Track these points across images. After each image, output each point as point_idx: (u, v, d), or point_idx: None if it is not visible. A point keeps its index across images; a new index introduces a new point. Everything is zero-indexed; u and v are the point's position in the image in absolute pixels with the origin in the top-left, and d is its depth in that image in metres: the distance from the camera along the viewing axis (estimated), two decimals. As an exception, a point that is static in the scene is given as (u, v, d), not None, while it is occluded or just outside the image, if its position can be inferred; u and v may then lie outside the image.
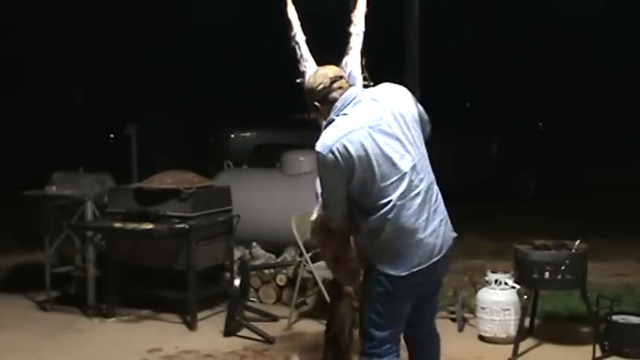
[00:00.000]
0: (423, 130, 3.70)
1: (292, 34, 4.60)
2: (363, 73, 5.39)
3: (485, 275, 5.76)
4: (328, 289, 5.37)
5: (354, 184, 3.49)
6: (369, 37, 5.37)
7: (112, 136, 13.80)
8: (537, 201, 12.38)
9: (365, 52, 5.34)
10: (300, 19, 4.66)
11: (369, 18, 4.76)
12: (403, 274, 3.50)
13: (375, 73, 5.50)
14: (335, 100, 3.63)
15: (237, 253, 6.94)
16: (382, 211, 3.47)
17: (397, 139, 3.49)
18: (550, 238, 5.59)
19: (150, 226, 6.06)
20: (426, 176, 3.57)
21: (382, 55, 6.20)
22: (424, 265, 3.52)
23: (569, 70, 15.45)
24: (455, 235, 3.67)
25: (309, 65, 4.48)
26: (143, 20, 14.82)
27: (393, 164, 3.47)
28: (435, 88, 8.21)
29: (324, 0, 6.08)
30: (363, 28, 4.60)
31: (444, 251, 3.56)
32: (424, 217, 3.51)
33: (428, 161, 3.64)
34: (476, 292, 5.85)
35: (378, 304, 3.61)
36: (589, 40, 14.89)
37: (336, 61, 4.45)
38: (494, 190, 12.61)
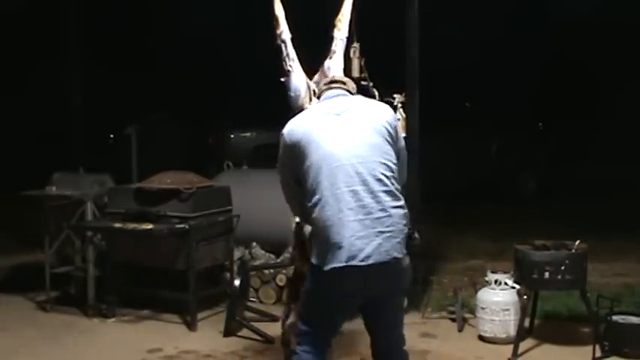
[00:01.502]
0: (397, 153, 3.65)
1: (278, 32, 4.57)
2: (362, 73, 5.41)
3: (485, 275, 5.76)
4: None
5: (297, 168, 3.57)
6: (369, 37, 5.39)
7: (111, 136, 13.80)
8: (537, 201, 12.38)
9: (364, 53, 5.36)
10: (287, 17, 4.66)
11: (366, 19, 4.77)
12: (325, 268, 3.45)
13: (375, 73, 5.53)
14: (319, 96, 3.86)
15: (237, 254, 6.94)
16: (314, 199, 3.49)
17: (350, 135, 3.51)
18: (550, 238, 5.59)
19: (150, 226, 6.06)
20: (376, 185, 3.48)
21: (382, 55, 6.23)
22: (345, 265, 3.41)
23: (570, 69, 15.47)
24: (397, 256, 3.49)
25: (294, 65, 4.49)
26: (144, 20, 14.82)
27: (335, 155, 3.47)
28: (435, 88, 8.23)
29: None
30: (346, 34, 4.61)
31: (370, 261, 3.41)
32: (358, 217, 3.43)
33: (389, 173, 3.54)
34: (476, 292, 5.86)
35: (304, 297, 3.68)
36: (590, 38, 14.89)
37: (319, 62, 4.50)
38: (494, 190, 12.60)
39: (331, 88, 3.81)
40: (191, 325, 6.09)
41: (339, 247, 3.42)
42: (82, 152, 8.59)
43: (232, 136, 13.50)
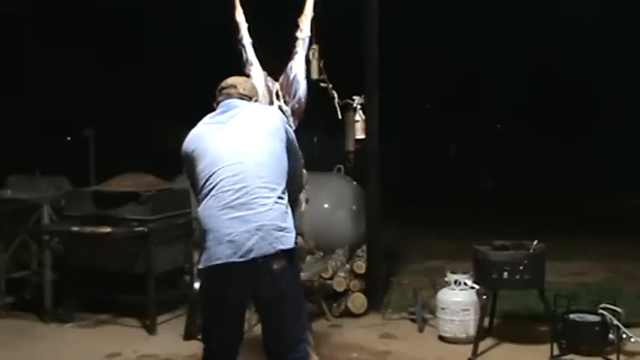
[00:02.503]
0: (289, 154, 3.69)
1: (239, 37, 4.63)
2: (321, 75, 5.42)
3: (445, 276, 5.80)
4: None
5: (193, 176, 3.67)
6: (329, 38, 5.40)
7: (68, 138, 13.61)
8: (495, 202, 12.51)
9: (323, 54, 5.37)
10: (248, 21, 4.70)
11: (326, 20, 4.79)
12: (202, 266, 3.55)
13: (334, 74, 5.54)
14: (217, 102, 3.83)
15: (196, 256, 6.88)
16: (201, 201, 3.60)
17: (236, 140, 3.59)
18: (508, 238, 5.64)
19: (108, 229, 5.99)
20: (256, 181, 3.53)
21: (342, 57, 6.23)
22: (223, 261, 3.46)
23: (530, 70, 15.68)
24: (276, 249, 3.48)
25: (254, 69, 4.54)
26: (115, 16, 14.59)
27: (220, 159, 3.56)
28: (395, 89, 8.26)
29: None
30: (308, 33, 4.65)
31: (251, 256, 3.45)
32: (235, 215, 3.49)
33: (270, 173, 3.57)
34: (436, 292, 5.89)
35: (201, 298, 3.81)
36: (553, 39, 15.11)
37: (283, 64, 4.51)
38: (453, 191, 12.71)
39: (221, 95, 3.86)
40: (150, 329, 6.03)
41: (217, 245, 3.49)
42: (38, 154, 8.46)
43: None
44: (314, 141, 12.39)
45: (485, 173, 13.10)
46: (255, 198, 3.50)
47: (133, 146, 13.33)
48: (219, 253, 3.48)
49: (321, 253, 6.98)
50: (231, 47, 4.76)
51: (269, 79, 4.67)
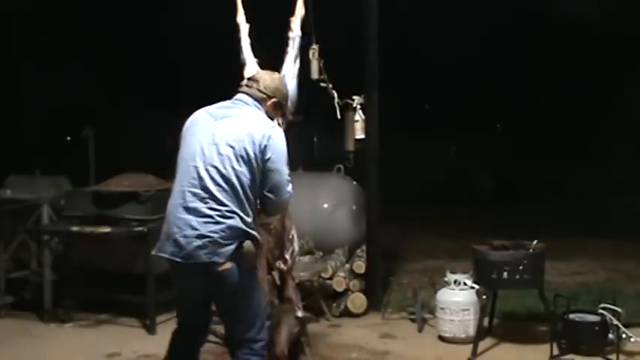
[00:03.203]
0: (260, 173, 3.72)
1: (239, 37, 4.67)
2: (321, 74, 5.42)
3: (445, 276, 5.80)
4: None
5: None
6: (330, 38, 5.40)
7: (68, 138, 13.60)
8: (495, 201, 12.51)
9: (322, 54, 5.38)
10: (249, 22, 4.73)
11: (326, 20, 4.80)
12: (154, 252, 3.78)
13: (334, 73, 5.54)
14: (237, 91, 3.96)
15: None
16: (174, 181, 3.81)
17: (213, 142, 3.69)
18: (508, 238, 5.64)
19: (108, 229, 5.99)
20: (215, 193, 3.62)
21: (342, 56, 6.24)
22: (167, 256, 3.69)
23: (530, 70, 15.67)
24: (208, 261, 3.58)
25: (247, 69, 4.58)
26: (110, 16, 14.60)
27: (192, 155, 3.71)
28: (394, 89, 8.26)
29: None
30: (299, 33, 4.65)
31: (190, 261, 3.60)
32: (186, 217, 3.63)
33: (228, 188, 3.64)
34: (435, 292, 5.89)
35: None
36: (550, 38, 15.12)
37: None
38: (453, 190, 12.71)
39: (242, 86, 3.96)
40: (150, 329, 6.03)
41: (167, 240, 3.70)
42: (38, 154, 8.47)
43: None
44: (314, 141, 12.39)
45: (485, 173, 13.09)
46: (208, 208, 3.61)
47: (132, 146, 13.32)
48: (165, 247, 3.71)
49: (321, 253, 6.98)
50: (231, 47, 4.78)
51: None
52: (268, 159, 3.71)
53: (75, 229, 6.13)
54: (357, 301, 6.33)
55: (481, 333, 5.43)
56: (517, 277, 5.22)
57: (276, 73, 4.16)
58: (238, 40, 4.68)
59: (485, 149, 13.27)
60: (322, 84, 5.51)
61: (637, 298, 6.49)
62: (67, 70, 13.02)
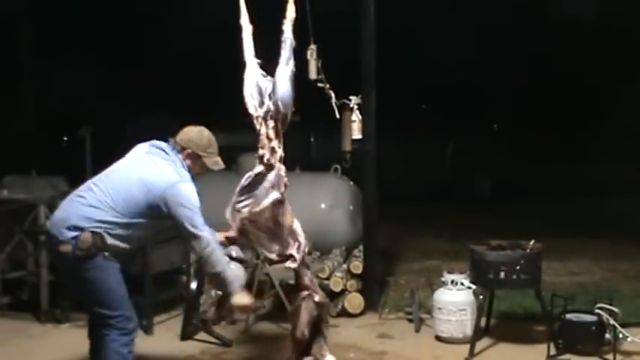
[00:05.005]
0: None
1: (242, 38, 4.67)
2: (319, 75, 5.42)
3: (442, 276, 5.80)
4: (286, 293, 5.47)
5: None
6: (327, 38, 5.40)
7: (65, 138, 13.58)
8: (493, 201, 12.50)
9: (320, 54, 5.37)
10: (252, 22, 4.73)
11: (323, 20, 4.79)
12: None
13: (331, 73, 5.54)
14: None
15: (194, 257, 6.86)
16: None
17: (117, 170, 4.44)
18: (505, 238, 5.65)
19: (104, 229, 5.96)
20: (101, 203, 4.27)
21: (340, 56, 6.23)
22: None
23: (527, 69, 15.68)
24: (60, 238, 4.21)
25: (247, 69, 4.60)
26: (113, 16, 14.59)
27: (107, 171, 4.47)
28: (391, 89, 8.26)
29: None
30: (290, 35, 4.62)
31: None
32: (65, 208, 4.34)
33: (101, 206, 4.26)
34: (432, 292, 5.89)
35: None
36: (546, 38, 15.13)
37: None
38: (450, 190, 12.69)
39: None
40: (147, 329, 6.02)
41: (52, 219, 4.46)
42: (34, 155, 8.45)
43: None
44: (311, 141, 12.37)
45: (482, 173, 13.08)
46: (84, 197, 4.28)
47: (130, 147, 13.27)
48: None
49: (318, 253, 6.98)
50: (232, 47, 4.76)
51: (265, 79, 4.63)
52: (166, 207, 4.24)
53: (72, 229, 6.10)
54: (354, 301, 6.33)
55: (478, 333, 5.44)
56: (514, 277, 5.23)
57: (200, 127, 4.50)
58: (241, 41, 4.65)
59: (483, 149, 13.24)
60: (320, 84, 5.51)
61: (634, 298, 6.51)
62: (64, 70, 13.01)
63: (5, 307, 6.55)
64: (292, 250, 4.57)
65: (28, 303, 6.58)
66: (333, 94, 5.62)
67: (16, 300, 6.71)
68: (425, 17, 14.43)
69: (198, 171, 4.49)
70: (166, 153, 4.39)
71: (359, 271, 6.50)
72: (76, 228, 4.18)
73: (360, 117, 6.12)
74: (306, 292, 4.60)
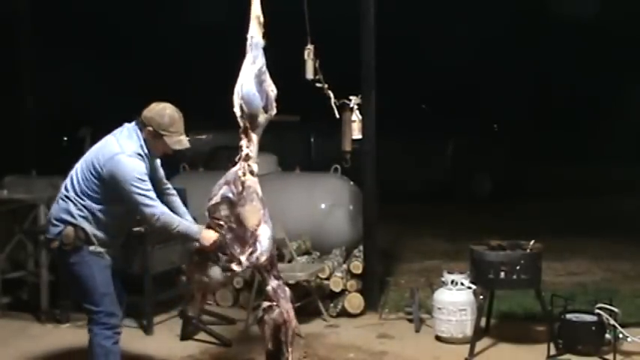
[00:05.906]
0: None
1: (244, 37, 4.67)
2: (317, 75, 5.41)
3: (442, 276, 5.80)
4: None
5: None
6: (325, 37, 5.39)
7: (65, 138, 13.57)
8: (493, 201, 12.50)
9: (318, 54, 5.37)
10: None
11: (321, 18, 4.79)
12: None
13: (331, 74, 5.53)
14: None
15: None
16: None
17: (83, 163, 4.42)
18: (505, 238, 5.64)
19: (104, 229, 5.96)
20: (70, 193, 4.38)
21: (338, 56, 6.23)
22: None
23: (524, 70, 15.68)
24: (48, 236, 4.45)
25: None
26: (112, 16, 14.58)
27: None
28: (391, 89, 8.25)
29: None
30: (253, 34, 4.53)
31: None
32: (52, 205, 4.51)
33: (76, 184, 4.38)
34: (432, 292, 5.89)
35: None
36: (544, 40, 15.13)
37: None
38: (450, 190, 12.69)
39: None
40: (147, 329, 6.02)
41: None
42: (34, 154, 8.43)
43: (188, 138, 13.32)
44: (311, 141, 12.36)
45: (482, 173, 13.07)
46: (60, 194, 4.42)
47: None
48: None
49: (318, 253, 6.99)
50: (233, 47, 4.74)
51: (267, 83, 4.61)
52: (113, 181, 4.23)
53: (72, 229, 6.10)
54: (354, 301, 6.33)
55: (478, 333, 5.44)
56: (514, 277, 5.23)
57: (164, 104, 4.49)
58: (241, 41, 4.62)
59: (482, 149, 13.23)
60: (318, 84, 5.50)
61: (633, 298, 6.51)
62: (64, 70, 13.01)
63: (5, 307, 6.55)
64: (243, 255, 4.35)
65: (28, 303, 6.59)
66: (332, 94, 5.61)
67: (16, 300, 6.71)
68: (425, 17, 14.43)
69: (163, 149, 4.43)
70: (126, 130, 4.39)
71: (359, 271, 6.50)
72: (58, 223, 4.32)
73: (360, 117, 6.12)
74: (267, 304, 4.44)
